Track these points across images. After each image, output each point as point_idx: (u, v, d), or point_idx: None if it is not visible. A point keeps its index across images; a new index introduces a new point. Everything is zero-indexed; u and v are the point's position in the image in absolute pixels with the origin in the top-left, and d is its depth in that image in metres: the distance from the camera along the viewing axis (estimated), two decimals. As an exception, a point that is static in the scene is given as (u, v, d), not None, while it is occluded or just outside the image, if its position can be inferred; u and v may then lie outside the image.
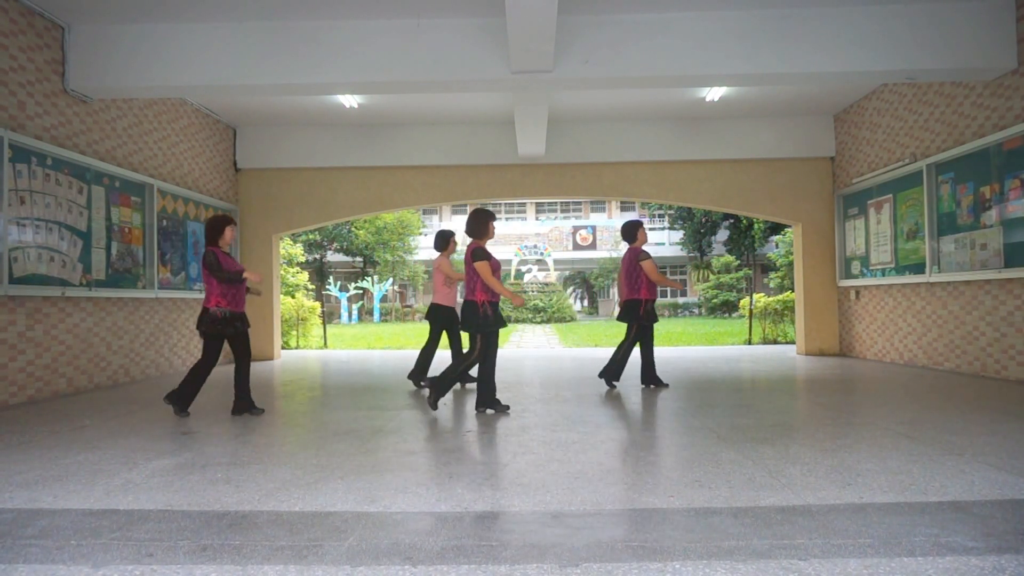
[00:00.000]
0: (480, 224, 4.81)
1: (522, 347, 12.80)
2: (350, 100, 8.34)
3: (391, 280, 29.36)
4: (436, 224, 33.66)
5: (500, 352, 11.43)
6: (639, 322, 5.87)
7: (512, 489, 2.84)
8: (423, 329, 21.14)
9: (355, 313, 28.23)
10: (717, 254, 27.35)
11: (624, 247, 6.00)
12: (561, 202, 34.03)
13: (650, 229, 32.69)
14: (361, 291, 29.20)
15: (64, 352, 6.09)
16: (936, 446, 3.51)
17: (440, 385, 4.76)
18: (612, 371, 5.95)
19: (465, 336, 5.33)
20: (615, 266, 30.92)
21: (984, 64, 6.05)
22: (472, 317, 4.69)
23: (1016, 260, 6.00)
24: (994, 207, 6.27)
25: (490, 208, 5.01)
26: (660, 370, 7.04)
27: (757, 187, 9.65)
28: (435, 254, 6.55)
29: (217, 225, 4.81)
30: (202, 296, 8.51)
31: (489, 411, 4.84)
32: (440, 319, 6.16)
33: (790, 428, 4.10)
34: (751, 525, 2.34)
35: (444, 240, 6.47)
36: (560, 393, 5.85)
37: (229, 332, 4.79)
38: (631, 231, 6.07)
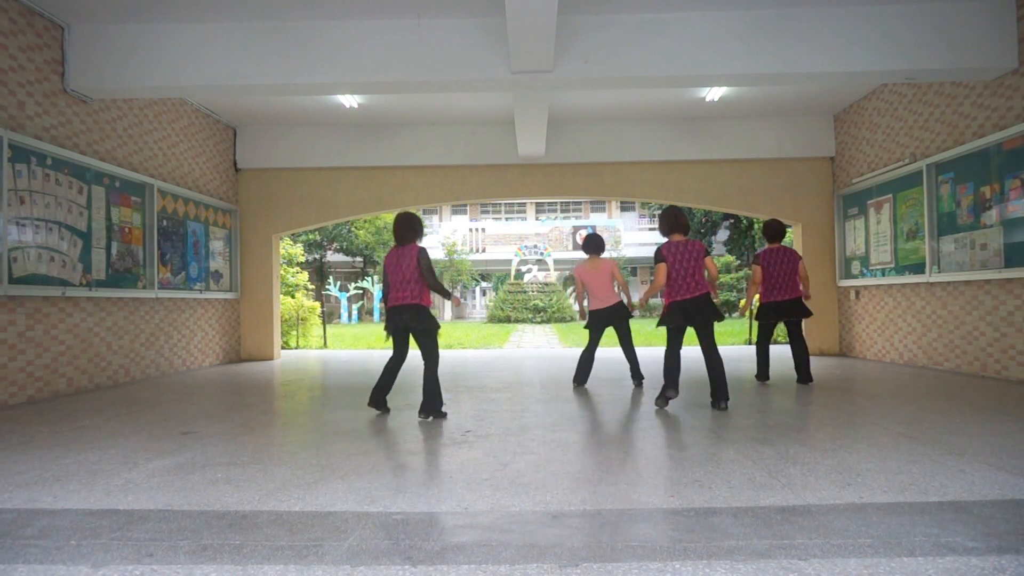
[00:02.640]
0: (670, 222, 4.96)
1: (522, 347, 12.80)
2: (350, 100, 8.34)
3: (391, 280, 29.29)
4: (436, 224, 33.64)
5: (500, 351, 11.45)
6: (807, 316, 6.16)
7: (512, 489, 2.84)
8: (423, 329, 21.08)
9: (355, 313, 28.23)
10: (717, 254, 27.33)
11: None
12: (561, 202, 34.02)
13: (650, 229, 32.74)
14: (361, 291, 29.21)
15: (64, 352, 6.09)
16: (936, 446, 3.51)
17: (668, 388, 4.89)
18: (805, 370, 6.14)
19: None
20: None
21: (984, 64, 6.05)
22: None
23: (1016, 260, 6.00)
24: (994, 207, 6.27)
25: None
26: (660, 369, 7.01)
27: (757, 187, 9.65)
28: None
29: (419, 224, 4.88)
30: (202, 296, 8.56)
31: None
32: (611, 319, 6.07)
33: (790, 428, 4.10)
34: (751, 525, 2.34)
35: (601, 244, 6.31)
36: (560, 393, 5.85)
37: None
38: (782, 230, 6.24)
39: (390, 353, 5.04)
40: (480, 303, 35.40)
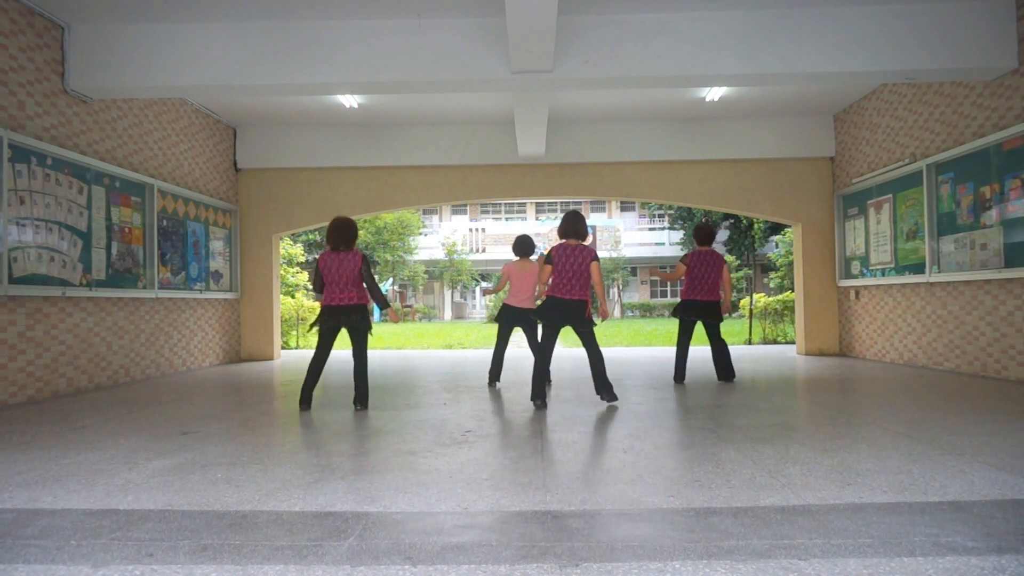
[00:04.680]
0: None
1: (522, 347, 12.79)
2: (350, 100, 8.34)
3: (391, 280, 29.35)
4: (436, 224, 33.63)
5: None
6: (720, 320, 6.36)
7: (512, 489, 2.84)
8: (422, 329, 21.12)
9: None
10: (717, 254, 27.31)
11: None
12: (561, 202, 34.03)
13: (649, 229, 32.74)
14: (361, 291, 29.16)
15: (64, 352, 6.09)
16: (936, 446, 3.51)
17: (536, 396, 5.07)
18: (727, 368, 6.39)
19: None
20: (615, 266, 30.90)
21: (984, 64, 6.05)
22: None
23: (1016, 260, 6.00)
24: (994, 207, 6.27)
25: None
26: (660, 370, 7.02)
27: (757, 187, 9.65)
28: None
29: (356, 230, 5.08)
30: (202, 296, 8.56)
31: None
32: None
33: (790, 428, 4.10)
34: (751, 525, 2.34)
35: (530, 248, 6.50)
36: (560, 393, 5.85)
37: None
38: (712, 234, 6.42)
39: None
40: (480, 303, 35.41)
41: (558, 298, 4.99)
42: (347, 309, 4.97)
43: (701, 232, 6.42)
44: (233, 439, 3.98)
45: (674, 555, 2.09)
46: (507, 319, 6.30)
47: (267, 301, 9.87)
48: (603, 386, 5.03)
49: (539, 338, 5.15)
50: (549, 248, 5.13)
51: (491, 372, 6.44)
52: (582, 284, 4.98)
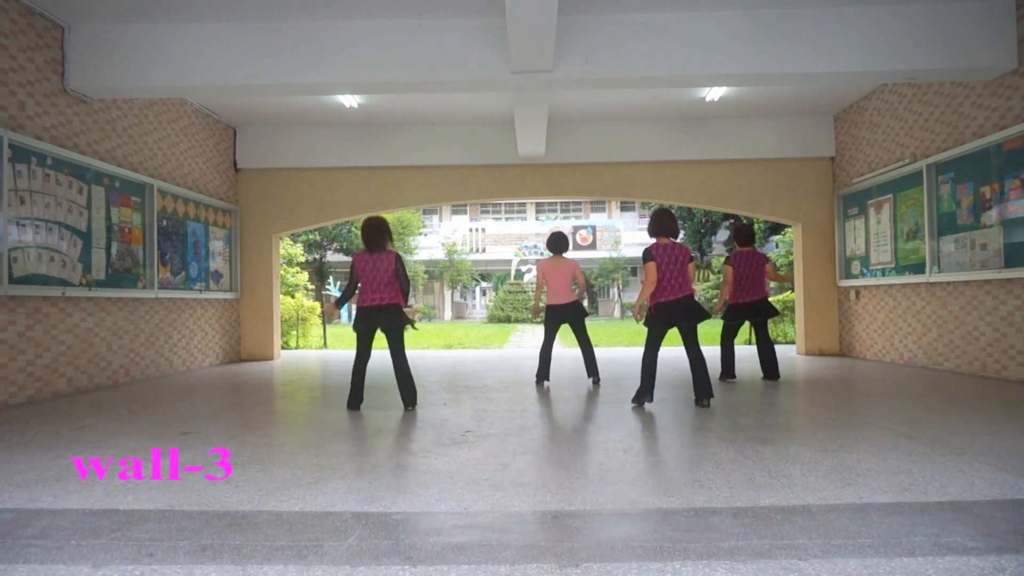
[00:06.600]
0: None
1: (522, 347, 12.80)
2: (350, 100, 8.34)
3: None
4: (436, 224, 33.61)
5: (500, 351, 11.45)
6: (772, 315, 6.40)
7: (512, 489, 2.84)
8: (422, 329, 21.09)
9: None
10: (717, 254, 27.32)
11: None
12: (561, 202, 34.01)
13: (650, 229, 32.67)
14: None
15: (64, 352, 6.09)
16: (936, 446, 3.51)
17: (645, 393, 5.06)
18: (773, 367, 6.40)
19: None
20: (615, 266, 30.90)
21: (984, 64, 6.05)
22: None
23: (1016, 260, 6.00)
24: (994, 207, 6.27)
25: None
26: (661, 369, 7.03)
27: (757, 187, 9.65)
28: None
29: (389, 229, 5.07)
30: (202, 296, 8.56)
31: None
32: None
33: (790, 428, 4.10)
34: (751, 525, 2.34)
35: (563, 244, 6.48)
36: (560, 393, 5.85)
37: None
38: (752, 235, 6.47)
39: (388, 352, 5.17)
40: (480, 303, 35.40)
41: (669, 301, 4.90)
42: (380, 309, 4.99)
43: (742, 233, 6.52)
44: (233, 439, 3.98)
45: (674, 555, 2.09)
46: (554, 319, 6.32)
47: (267, 301, 9.87)
48: (705, 390, 4.95)
49: (647, 341, 5.04)
50: (646, 248, 5.06)
51: (539, 371, 6.40)
52: (685, 280, 4.93)
